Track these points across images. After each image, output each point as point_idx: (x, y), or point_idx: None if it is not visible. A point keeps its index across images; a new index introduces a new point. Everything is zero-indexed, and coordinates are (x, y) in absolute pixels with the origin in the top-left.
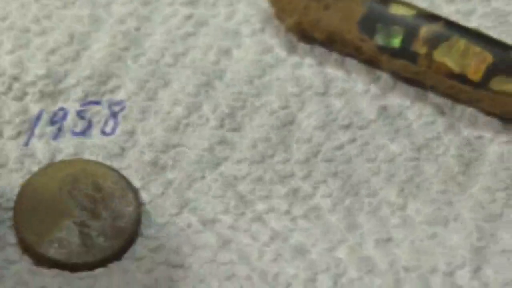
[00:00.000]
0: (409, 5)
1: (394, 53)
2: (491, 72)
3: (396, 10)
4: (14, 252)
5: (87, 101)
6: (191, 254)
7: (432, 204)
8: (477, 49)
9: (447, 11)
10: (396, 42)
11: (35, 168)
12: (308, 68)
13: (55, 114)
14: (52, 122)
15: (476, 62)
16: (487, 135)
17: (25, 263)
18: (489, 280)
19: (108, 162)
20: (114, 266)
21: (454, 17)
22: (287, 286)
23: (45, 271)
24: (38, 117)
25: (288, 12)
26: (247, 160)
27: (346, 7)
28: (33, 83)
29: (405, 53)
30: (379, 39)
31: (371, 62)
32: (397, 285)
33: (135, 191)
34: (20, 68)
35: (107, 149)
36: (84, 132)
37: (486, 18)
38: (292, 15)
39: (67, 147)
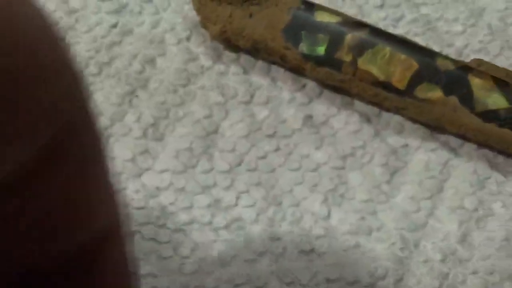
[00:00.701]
0: (334, 12)
1: (319, 61)
2: (416, 79)
3: (321, 17)
4: None
5: None
6: None
7: (356, 213)
8: (402, 56)
9: (376, 17)
10: (321, 50)
11: None
12: (233, 76)
13: None
14: None
15: (401, 70)
16: (413, 143)
17: None
18: None
19: None
20: None
21: (382, 23)
22: None
23: None
24: None
25: (213, 20)
26: (169, 170)
27: (271, 14)
28: None
29: (329, 61)
30: (304, 47)
31: (296, 70)
32: None
33: None
34: None
35: None
36: None
37: (414, 24)
38: (217, 23)
39: None
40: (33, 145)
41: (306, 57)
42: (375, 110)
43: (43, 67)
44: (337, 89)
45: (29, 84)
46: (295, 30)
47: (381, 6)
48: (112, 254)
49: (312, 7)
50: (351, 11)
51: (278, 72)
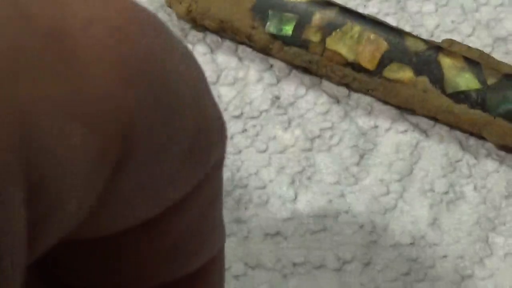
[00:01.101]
0: None
1: (286, 41)
2: (386, 60)
3: None
4: None
5: None
6: None
7: (323, 196)
8: (372, 36)
9: None
10: (288, 29)
11: None
12: (199, 56)
13: None
14: None
15: (370, 50)
16: (383, 124)
17: None
18: (378, 275)
19: None
20: None
21: (353, 3)
22: None
23: None
24: None
25: None
26: None
27: None
28: None
29: (297, 40)
30: (271, 27)
31: (264, 50)
32: (284, 280)
33: None
34: None
35: None
36: None
37: (385, 4)
38: (182, 2)
39: None
40: (205, 169)
41: (274, 37)
42: (344, 91)
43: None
44: (305, 70)
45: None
46: (262, 10)
47: None
48: (214, 274)
49: None
50: None
51: (245, 52)
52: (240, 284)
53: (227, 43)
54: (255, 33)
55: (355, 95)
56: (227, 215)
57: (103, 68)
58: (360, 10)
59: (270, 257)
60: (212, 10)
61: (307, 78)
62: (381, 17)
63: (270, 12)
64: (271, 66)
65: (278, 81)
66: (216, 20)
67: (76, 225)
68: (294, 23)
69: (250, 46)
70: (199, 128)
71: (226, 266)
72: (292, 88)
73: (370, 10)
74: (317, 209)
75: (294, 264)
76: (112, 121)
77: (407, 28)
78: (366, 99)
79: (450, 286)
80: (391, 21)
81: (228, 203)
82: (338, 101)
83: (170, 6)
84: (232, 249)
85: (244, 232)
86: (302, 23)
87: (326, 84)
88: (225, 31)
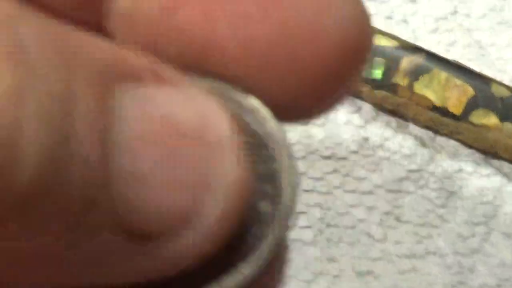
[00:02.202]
0: (391, 36)
1: (376, 85)
2: (472, 105)
3: (378, 41)
4: None
5: None
6: None
7: (412, 237)
8: (458, 82)
9: (428, 41)
10: (378, 73)
11: None
12: None
13: None
14: None
15: (457, 95)
16: (468, 168)
17: None
18: None
19: None
20: None
21: (435, 48)
22: None
23: None
24: None
25: None
26: None
27: None
28: None
29: (386, 84)
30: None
31: (353, 92)
32: None
33: None
34: None
35: None
36: None
37: (467, 50)
38: None
39: None
40: None
41: (364, 80)
42: (430, 134)
43: None
44: (392, 112)
45: None
46: None
47: (435, 30)
48: None
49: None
50: (404, 35)
51: None
52: None
53: None
54: None
55: (440, 139)
56: (319, 254)
57: None
58: (443, 55)
59: None
60: None
61: (393, 121)
62: (463, 62)
63: None
64: (359, 108)
65: (366, 123)
66: None
67: None
68: (383, 67)
69: None
70: None
71: None
72: (379, 130)
73: (452, 55)
74: (405, 249)
75: None
76: None
77: (488, 74)
78: (451, 143)
79: None
80: (473, 66)
81: (320, 242)
82: (424, 144)
83: None
84: (324, 287)
85: (336, 270)
86: (391, 67)
87: (412, 127)
88: None
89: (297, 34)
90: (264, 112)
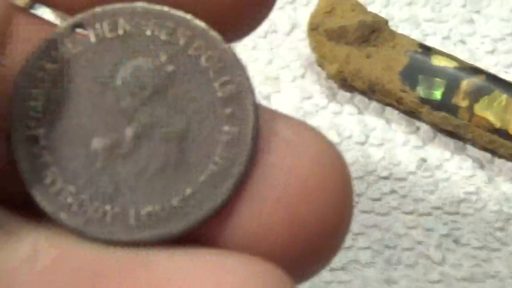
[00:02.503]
0: (450, 57)
1: (435, 105)
2: None
3: (438, 61)
4: None
5: None
6: None
7: (470, 260)
8: None
9: (487, 63)
10: (438, 94)
11: None
12: (348, 116)
13: None
14: None
15: None
16: None
17: None
18: None
19: None
20: None
21: (493, 69)
22: None
23: None
24: None
25: (330, 59)
26: None
27: (388, 56)
28: None
29: (446, 105)
30: (421, 91)
31: (411, 113)
32: None
33: None
34: None
35: None
36: None
37: None
38: (334, 63)
39: None
40: None
41: (423, 101)
42: (488, 156)
43: None
44: (450, 134)
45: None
46: (412, 73)
47: (492, 51)
48: None
49: (429, 51)
50: (462, 56)
51: (392, 114)
52: None
53: (374, 104)
54: (405, 96)
55: (499, 161)
56: (378, 275)
57: None
58: (502, 75)
59: None
60: (363, 71)
61: (451, 142)
62: None
63: (420, 76)
64: (418, 128)
65: (424, 144)
66: (367, 82)
67: None
68: (443, 88)
69: (397, 108)
70: None
71: None
72: (437, 151)
73: (511, 76)
74: (464, 273)
75: None
76: None
77: None
78: (509, 165)
79: None
80: None
81: (378, 263)
82: (482, 166)
83: (321, 66)
84: None
85: None
86: (451, 88)
87: (470, 148)
88: (375, 93)
89: None
90: (214, 34)
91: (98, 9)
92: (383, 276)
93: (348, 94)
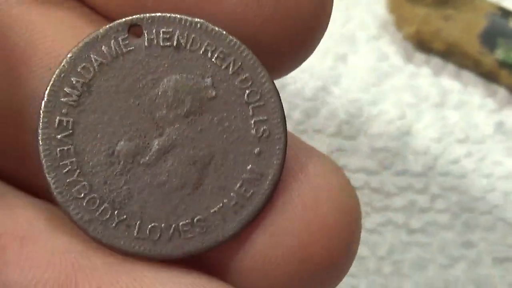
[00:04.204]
0: None
1: None
2: None
3: None
4: None
5: None
6: None
7: None
8: None
9: None
10: None
11: None
12: (424, 78)
13: None
14: None
15: None
16: None
17: None
18: None
19: None
20: None
21: None
22: None
23: None
24: None
25: (408, 20)
26: (364, 170)
27: (467, 19)
28: None
29: None
30: (499, 54)
31: (489, 75)
32: None
33: None
34: None
35: None
36: None
37: None
38: (411, 24)
39: None
40: None
41: (501, 64)
42: None
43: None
44: None
45: None
46: (491, 36)
47: None
48: None
49: (509, 14)
50: None
51: (469, 76)
52: None
53: (451, 67)
54: (483, 58)
55: None
56: (456, 238)
57: None
58: None
59: (501, 282)
60: (441, 33)
61: None
62: None
63: (499, 39)
64: (495, 92)
65: (501, 107)
66: (444, 43)
67: None
68: None
69: (473, 71)
70: None
71: None
72: None
73: None
74: None
75: None
76: None
77: None
78: None
79: None
80: None
81: (456, 226)
82: None
83: (398, 27)
84: (463, 271)
85: (474, 256)
86: None
87: None
88: (452, 55)
89: None
90: (262, 70)
91: (157, 15)
92: (461, 239)
93: (424, 56)
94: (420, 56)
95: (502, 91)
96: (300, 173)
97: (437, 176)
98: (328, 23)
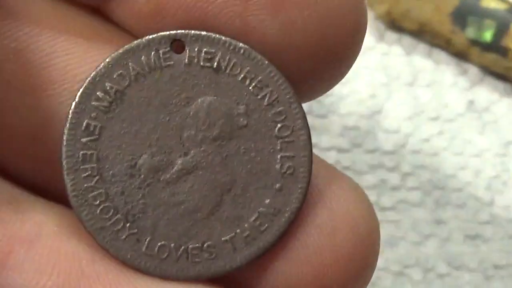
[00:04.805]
0: None
1: (485, 47)
2: None
3: (488, 3)
4: None
5: None
6: None
7: None
8: None
9: None
10: (487, 36)
11: None
12: (396, 57)
13: None
14: None
15: None
16: None
17: None
18: None
19: None
20: None
21: None
22: (376, 278)
23: None
24: None
25: (379, 0)
26: (335, 148)
27: None
28: None
29: (495, 47)
30: (470, 32)
31: (460, 54)
32: (486, 282)
33: None
34: None
35: None
36: None
37: None
38: (383, 3)
39: None
40: None
41: (472, 42)
42: None
43: None
44: (499, 76)
45: None
46: (462, 15)
47: None
48: None
49: None
50: None
51: (440, 55)
52: (444, 284)
53: (422, 46)
54: (455, 37)
55: None
56: (427, 215)
57: None
58: None
59: (472, 259)
60: (412, 12)
61: (500, 85)
62: None
63: (470, 18)
64: (466, 70)
65: (472, 85)
66: (416, 23)
67: None
68: (493, 30)
69: (445, 50)
70: None
71: (430, 265)
72: (486, 93)
73: None
74: None
75: (496, 267)
76: None
77: None
78: None
79: None
80: None
81: (427, 203)
82: None
83: (369, 6)
84: (434, 248)
85: (445, 233)
86: (500, 30)
87: None
88: (423, 34)
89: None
90: (297, 106)
91: (203, 33)
92: (433, 216)
93: (396, 35)
94: (391, 35)
95: (473, 70)
96: (319, 200)
97: (408, 154)
98: (361, 47)
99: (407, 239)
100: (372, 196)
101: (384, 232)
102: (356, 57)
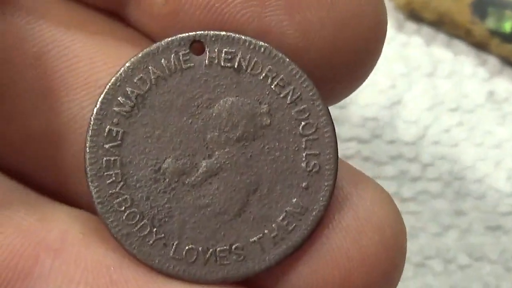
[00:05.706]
0: None
1: (505, 38)
2: None
3: None
4: None
5: None
6: None
7: None
8: None
9: None
10: (507, 26)
11: None
12: (415, 48)
13: None
14: None
15: None
16: None
17: None
18: None
19: None
20: None
21: None
22: None
23: None
24: None
25: None
26: (355, 139)
27: None
28: None
29: None
30: (490, 23)
31: (480, 45)
32: (507, 273)
33: None
34: None
35: None
36: None
37: None
38: None
39: None
40: None
41: (492, 33)
42: None
43: None
44: None
45: None
46: (482, 5)
47: None
48: None
49: None
50: None
51: (460, 46)
52: (465, 275)
53: (442, 36)
54: (474, 28)
55: None
56: (447, 206)
57: None
58: None
59: (493, 250)
60: (432, 2)
61: None
62: None
63: (490, 8)
64: (485, 61)
65: (491, 76)
66: (436, 13)
67: None
68: None
69: (464, 40)
70: None
71: (451, 256)
72: (505, 84)
73: None
74: None
75: None
76: None
77: None
78: None
79: None
80: None
81: (447, 194)
82: None
83: None
84: (454, 239)
85: (465, 224)
86: None
87: None
88: (443, 24)
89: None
90: (321, 103)
91: (222, 33)
92: (453, 207)
93: (415, 26)
94: (411, 26)
95: (493, 60)
96: (344, 202)
97: (428, 145)
98: (382, 49)
99: (427, 230)
100: (392, 187)
101: (405, 223)
102: (377, 59)
